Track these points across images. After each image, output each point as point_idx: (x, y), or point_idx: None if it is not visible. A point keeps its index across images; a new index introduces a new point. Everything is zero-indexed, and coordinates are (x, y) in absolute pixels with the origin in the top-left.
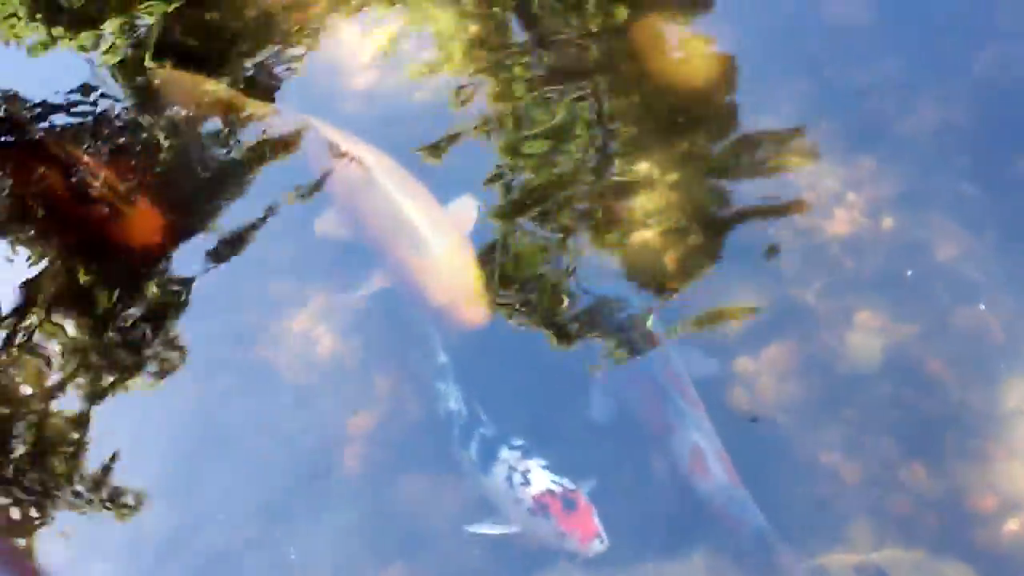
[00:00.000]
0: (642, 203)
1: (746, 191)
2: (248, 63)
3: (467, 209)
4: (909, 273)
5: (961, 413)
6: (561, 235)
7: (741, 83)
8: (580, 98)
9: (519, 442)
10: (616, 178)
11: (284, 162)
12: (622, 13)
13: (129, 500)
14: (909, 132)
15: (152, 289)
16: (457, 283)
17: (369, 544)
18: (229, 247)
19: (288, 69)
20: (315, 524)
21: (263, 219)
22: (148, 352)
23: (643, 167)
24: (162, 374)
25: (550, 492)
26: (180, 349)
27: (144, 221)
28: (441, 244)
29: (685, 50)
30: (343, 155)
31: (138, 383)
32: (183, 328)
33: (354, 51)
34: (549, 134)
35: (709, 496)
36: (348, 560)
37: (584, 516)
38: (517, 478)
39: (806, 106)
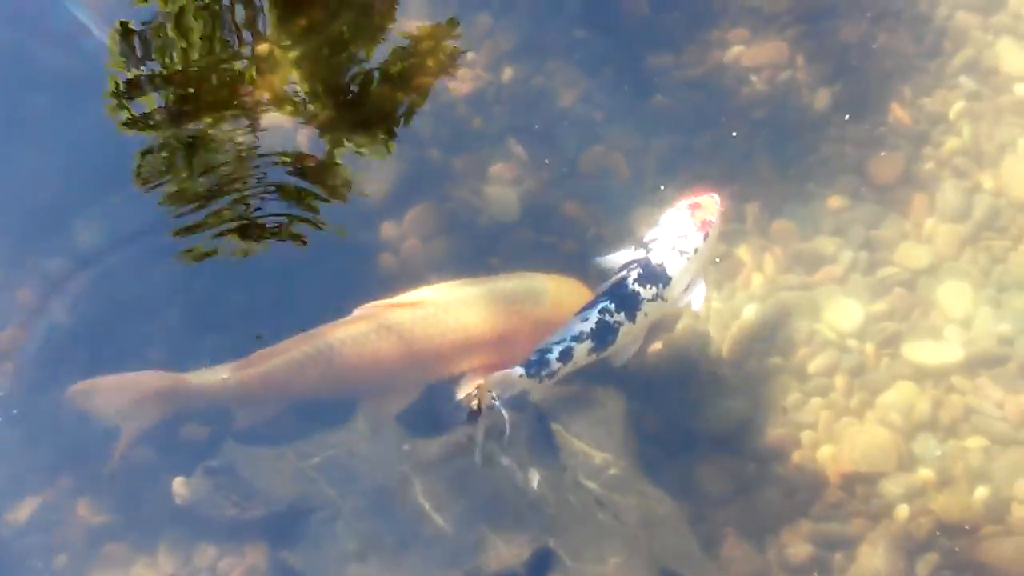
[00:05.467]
0: (269, 82)
1: (370, 59)
2: None
3: None
4: (662, 187)
5: (598, 247)
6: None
7: None
8: None
9: None
10: (242, 60)
11: None
12: None
13: None
14: None
15: None
16: None
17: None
18: None
19: None
20: None
21: None
22: None
23: (264, 46)
24: None
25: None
26: None
27: None
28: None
29: None
30: None
31: None
32: None
33: None
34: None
35: None
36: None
37: None
38: None
39: None
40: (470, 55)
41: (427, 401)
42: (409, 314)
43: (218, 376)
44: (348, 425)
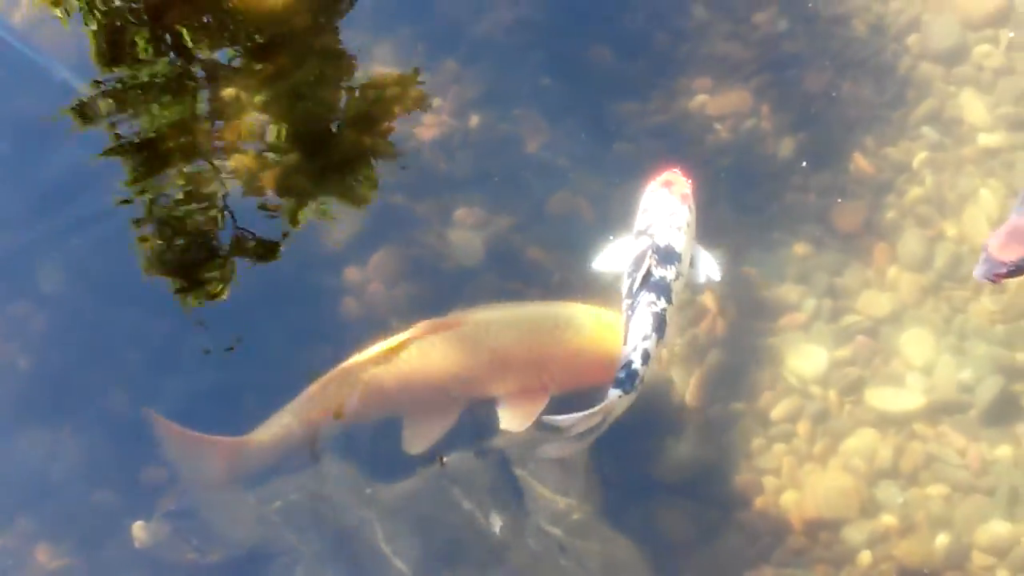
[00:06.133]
0: (235, 127)
1: (335, 106)
2: None
3: None
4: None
5: (562, 293)
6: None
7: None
8: (159, 33)
9: None
10: (207, 105)
11: None
12: None
13: None
14: (486, 32)
15: None
16: None
17: None
18: None
19: None
20: None
21: None
22: None
23: (230, 91)
24: None
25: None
26: None
27: None
28: None
29: None
30: None
31: None
32: None
33: None
34: (135, 70)
35: None
36: None
37: None
38: None
39: (384, 16)
40: (436, 101)
41: (389, 443)
42: (449, 335)
43: (280, 424)
44: (311, 469)
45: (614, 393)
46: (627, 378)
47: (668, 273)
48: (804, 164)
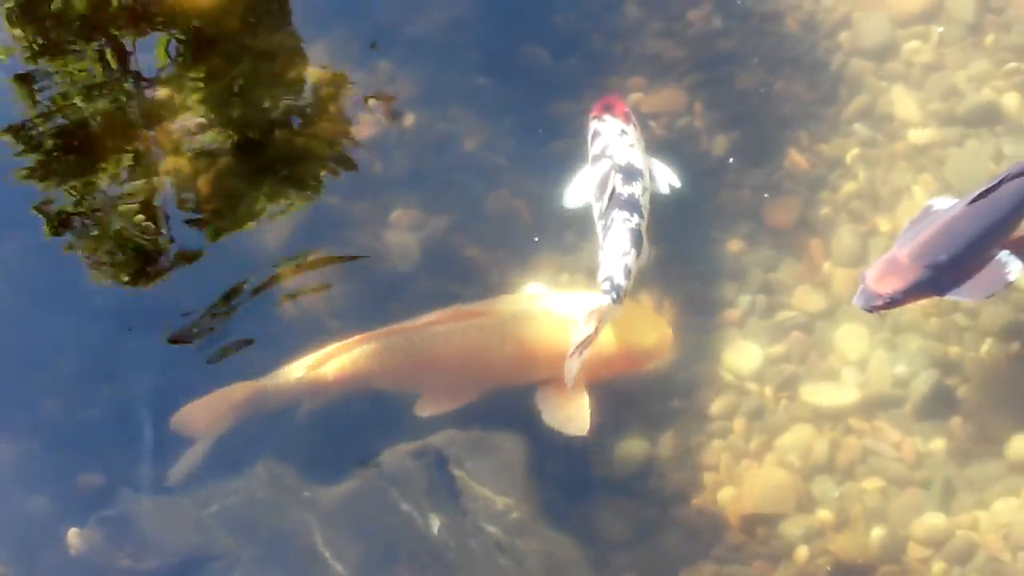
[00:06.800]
0: (167, 129)
1: (269, 107)
2: None
3: None
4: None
5: (496, 294)
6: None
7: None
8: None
9: None
10: (141, 108)
11: None
12: None
13: None
14: (422, 32)
15: None
16: None
17: None
18: None
19: None
20: None
21: None
22: None
23: (162, 93)
24: None
25: None
26: None
27: None
28: None
29: None
30: None
31: None
32: None
33: None
34: (72, 74)
35: None
36: None
37: None
38: None
39: (317, 15)
40: (372, 101)
41: (327, 445)
42: (479, 320)
43: (291, 376)
44: (247, 472)
45: (605, 299)
46: (612, 289)
47: (635, 189)
48: (731, 161)
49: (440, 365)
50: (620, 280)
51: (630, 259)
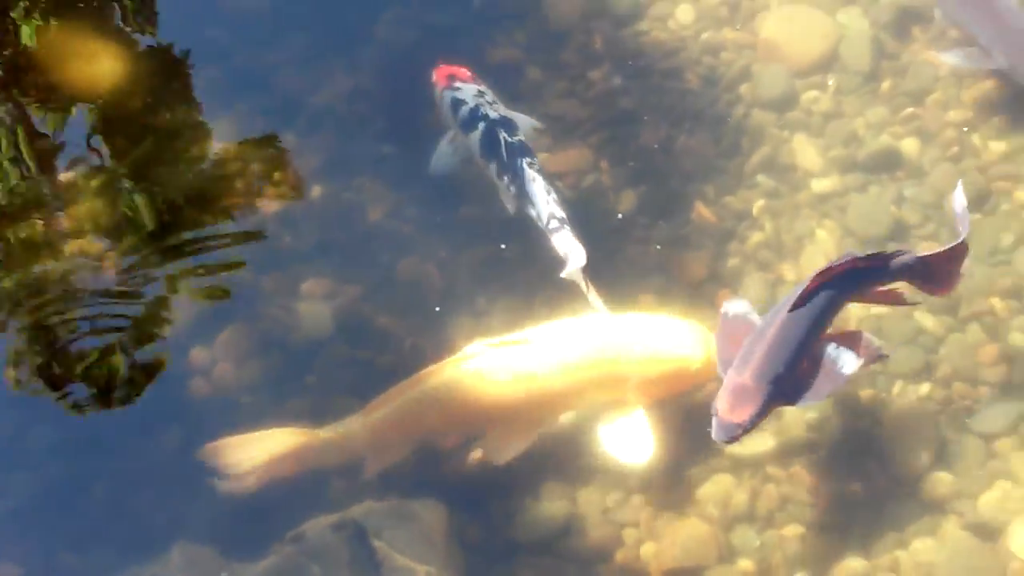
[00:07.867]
0: (73, 213)
1: (174, 184)
2: None
3: None
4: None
5: (412, 360)
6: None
7: (153, 79)
8: None
9: None
10: (43, 190)
11: None
12: (27, 33)
13: None
14: (325, 103)
15: None
16: None
17: None
18: None
19: None
20: None
21: None
22: None
23: (66, 176)
24: None
25: None
26: None
27: None
28: None
29: (91, 54)
30: None
31: None
32: None
33: None
34: None
35: None
36: None
37: None
38: None
39: (219, 91)
40: (277, 174)
41: (245, 520)
42: (521, 352)
43: (348, 427)
44: (161, 556)
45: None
46: (561, 223)
47: (520, 136)
48: (642, 220)
49: (493, 406)
50: (560, 213)
51: (555, 196)
